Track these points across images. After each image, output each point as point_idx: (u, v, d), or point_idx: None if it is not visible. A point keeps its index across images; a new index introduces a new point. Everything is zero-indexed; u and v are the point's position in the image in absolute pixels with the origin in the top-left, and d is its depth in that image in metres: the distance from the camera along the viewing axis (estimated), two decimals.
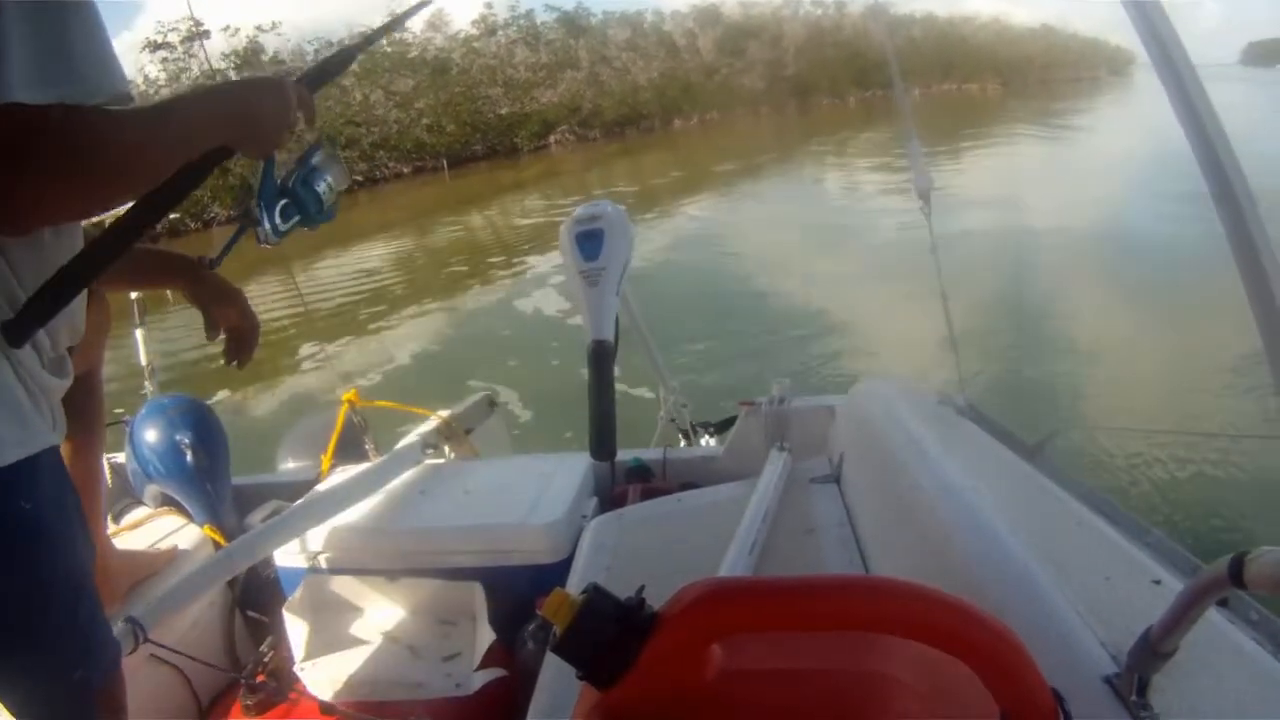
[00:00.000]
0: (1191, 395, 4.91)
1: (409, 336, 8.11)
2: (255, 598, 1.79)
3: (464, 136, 28.21)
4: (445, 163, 26.46)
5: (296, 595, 1.62)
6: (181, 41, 22.88)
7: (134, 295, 2.29)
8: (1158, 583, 0.85)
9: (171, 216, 0.96)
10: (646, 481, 1.95)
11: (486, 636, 1.52)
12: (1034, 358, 5.77)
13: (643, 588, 0.63)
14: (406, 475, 1.90)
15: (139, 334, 2.39)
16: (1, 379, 0.80)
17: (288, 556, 1.70)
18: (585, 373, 1.43)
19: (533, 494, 1.71)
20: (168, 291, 1.31)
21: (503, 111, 29.87)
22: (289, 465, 2.29)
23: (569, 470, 1.80)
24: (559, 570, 1.46)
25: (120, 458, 1.95)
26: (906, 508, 1.19)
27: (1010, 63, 56.32)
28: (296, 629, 1.59)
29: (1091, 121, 27.78)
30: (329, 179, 1.09)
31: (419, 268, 12.52)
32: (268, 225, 1.03)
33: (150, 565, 1.62)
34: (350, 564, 1.70)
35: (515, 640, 1.52)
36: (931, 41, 50.72)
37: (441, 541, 1.66)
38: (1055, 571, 0.86)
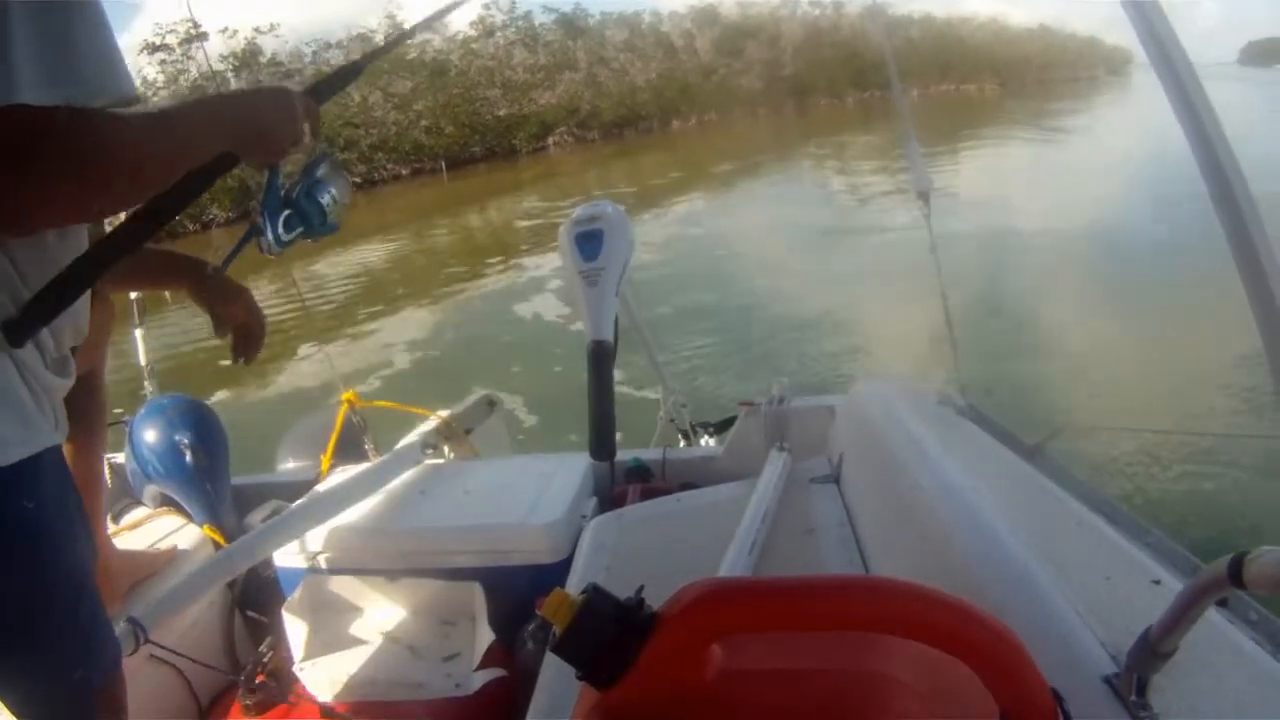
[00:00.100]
0: (1191, 395, 4.90)
1: (408, 337, 8.11)
2: (255, 598, 1.79)
3: (462, 138, 28.25)
4: (444, 164, 26.49)
5: (296, 595, 1.62)
6: (180, 43, 22.90)
7: (133, 295, 2.30)
8: (1157, 583, 0.85)
9: None
10: (646, 481, 1.95)
11: (486, 636, 1.52)
12: (1034, 358, 5.76)
13: (642, 588, 0.63)
14: (406, 475, 1.90)
15: (138, 334, 2.39)
16: (5, 378, 0.79)
17: (287, 556, 1.70)
18: (585, 373, 1.43)
19: (532, 494, 1.71)
20: (165, 291, 1.32)
21: (501, 113, 29.89)
22: (288, 465, 2.29)
23: (569, 470, 1.80)
24: (559, 570, 1.46)
25: (120, 458, 1.95)
26: (906, 508, 1.19)
27: (1008, 63, 56.42)
28: (296, 629, 1.59)
29: (1089, 121, 27.74)
30: (333, 191, 1.09)
31: (418, 269, 12.53)
32: (271, 235, 1.03)
33: (150, 565, 1.62)
34: (350, 564, 1.70)
35: (515, 640, 1.52)
36: (929, 42, 50.81)
37: (441, 541, 1.66)
38: (1055, 571, 0.87)
